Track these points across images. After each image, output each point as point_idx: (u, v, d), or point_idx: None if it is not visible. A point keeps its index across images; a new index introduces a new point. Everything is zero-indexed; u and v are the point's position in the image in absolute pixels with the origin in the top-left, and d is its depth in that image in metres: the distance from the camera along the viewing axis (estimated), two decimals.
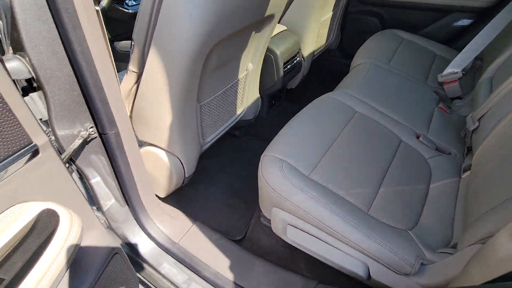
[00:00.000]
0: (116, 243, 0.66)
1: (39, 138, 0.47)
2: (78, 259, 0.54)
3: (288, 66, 1.37)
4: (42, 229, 0.46)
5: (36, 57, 0.55)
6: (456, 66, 1.19)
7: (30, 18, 0.51)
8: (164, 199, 1.12)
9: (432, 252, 0.68)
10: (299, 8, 1.39)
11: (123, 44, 1.69)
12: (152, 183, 1.03)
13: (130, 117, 0.97)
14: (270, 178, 0.78)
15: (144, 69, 0.79)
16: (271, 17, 0.97)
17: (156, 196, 1.03)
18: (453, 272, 0.59)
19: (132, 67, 0.82)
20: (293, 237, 0.79)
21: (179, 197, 1.17)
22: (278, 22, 1.47)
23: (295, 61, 1.41)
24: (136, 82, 0.87)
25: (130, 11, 1.53)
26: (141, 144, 1.03)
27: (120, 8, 1.53)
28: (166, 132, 0.92)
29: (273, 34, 1.35)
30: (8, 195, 0.45)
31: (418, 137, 1.01)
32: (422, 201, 0.83)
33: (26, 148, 0.45)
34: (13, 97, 0.42)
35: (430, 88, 1.26)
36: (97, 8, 0.59)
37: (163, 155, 0.98)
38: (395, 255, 0.66)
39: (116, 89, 0.68)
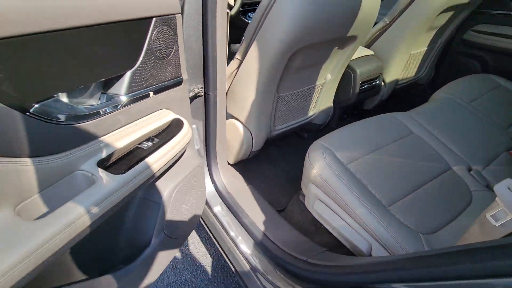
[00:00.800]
0: (200, 161, 0.97)
1: (184, 75, 0.81)
2: (182, 157, 0.85)
3: (365, 86, 1.52)
4: (173, 127, 0.78)
5: (186, 33, 0.89)
6: None
7: (191, 9, 0.86)
8: (232, 165, 1.42)
9: None
10: (388, 38, 1.53)
11: (236, 47, 2.12)
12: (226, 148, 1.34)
13: (226, 94, 1.30)
14: (312, 158, 0.97)
15: (245, 58, 1.10)
16: (354, 38, 1.17)
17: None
18: None
19: (238, 55, 1.14)
20: (318, 209, 0.96)
21: (243, 167, 1.45)
22: (368, 47, 1.64)
23: (373, 83, 1.54)
24: (237, 67, 1.18)
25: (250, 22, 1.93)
26: (228, 116, 1.35)
27: (243, 18, 1.95)
28: (247, 109, 1.21)
29: (359, 56, 1.53)
30: (161, 102, 0.78)
31: (469, 170, 1.03)
32: (450, 219, 0.88)
33: (178, 78, 0.79)
34: (181, 48, 0.76)
35: (508, 135, 1.23)
36: (228, 11, 0.92)
37: (240, 126, 1.27)
38: (397, 242, 0.77)
39: (224, 66, 1.00)
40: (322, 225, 0.99)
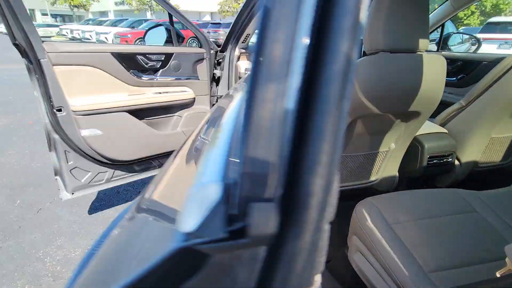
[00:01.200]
0: None
1: None
2: None
3: (435, 161, 1.52)
4: None
5: None
6: None
7: None
8: None
9: None
10: (464, 119, 1.54)
11: None
12: None
13: None
14: (359, 212, 1.06)
15: None
16: (417, 113, 1.27)
17: None
18: None
19: None
20: (358, 261, 1.01)
21: None
22: (443, 126, 1.66)
23: (443, 160, 1.53)
24: None
25: None
26: None
27: None
28: None
29: (431, 132, 1.57)
30: None
31: None
32: None
33: None
34: None
35: None
36: None
37: None
38: None
39: None
40: (361, 280, 1.02)
